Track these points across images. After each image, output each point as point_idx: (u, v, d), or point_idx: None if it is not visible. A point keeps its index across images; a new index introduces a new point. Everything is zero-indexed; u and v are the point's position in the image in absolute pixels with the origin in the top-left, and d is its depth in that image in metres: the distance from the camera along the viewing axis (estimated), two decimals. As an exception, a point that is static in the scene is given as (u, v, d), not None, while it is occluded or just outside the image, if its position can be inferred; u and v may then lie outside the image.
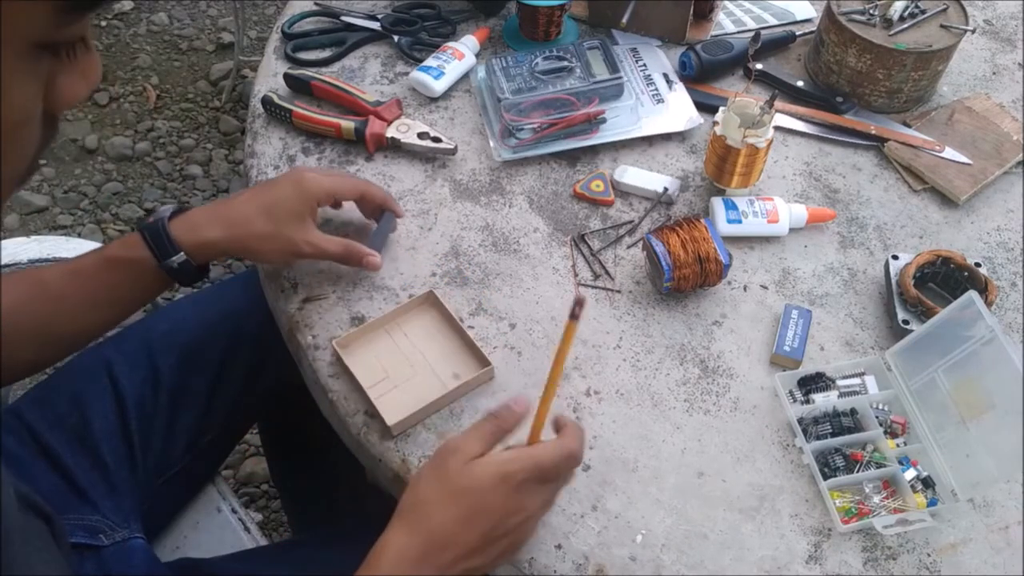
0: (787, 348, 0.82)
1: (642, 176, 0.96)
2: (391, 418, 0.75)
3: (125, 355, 0.93)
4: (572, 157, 0.99)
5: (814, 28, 1.10)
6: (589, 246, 0.91)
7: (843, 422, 0.77)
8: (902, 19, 1.01)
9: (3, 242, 1.03)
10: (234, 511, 1.00)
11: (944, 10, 1.03)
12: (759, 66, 1.07)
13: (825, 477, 0.74)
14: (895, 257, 0.87)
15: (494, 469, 0.62)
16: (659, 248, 0.83)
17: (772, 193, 0.95)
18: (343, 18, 1.10)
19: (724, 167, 0.91)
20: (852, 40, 1.00)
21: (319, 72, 1.03)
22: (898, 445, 0.76)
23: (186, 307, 1.01)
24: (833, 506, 0.72)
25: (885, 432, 0.76)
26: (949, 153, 1.00)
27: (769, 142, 0.89)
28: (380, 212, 0.88)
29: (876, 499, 0.73)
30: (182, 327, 0.97)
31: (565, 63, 1.00)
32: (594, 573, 0.69)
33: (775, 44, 1.11)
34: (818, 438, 0.76)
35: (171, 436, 0.93)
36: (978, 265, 0.85)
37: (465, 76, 1.05)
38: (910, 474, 0.74)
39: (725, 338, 0.84)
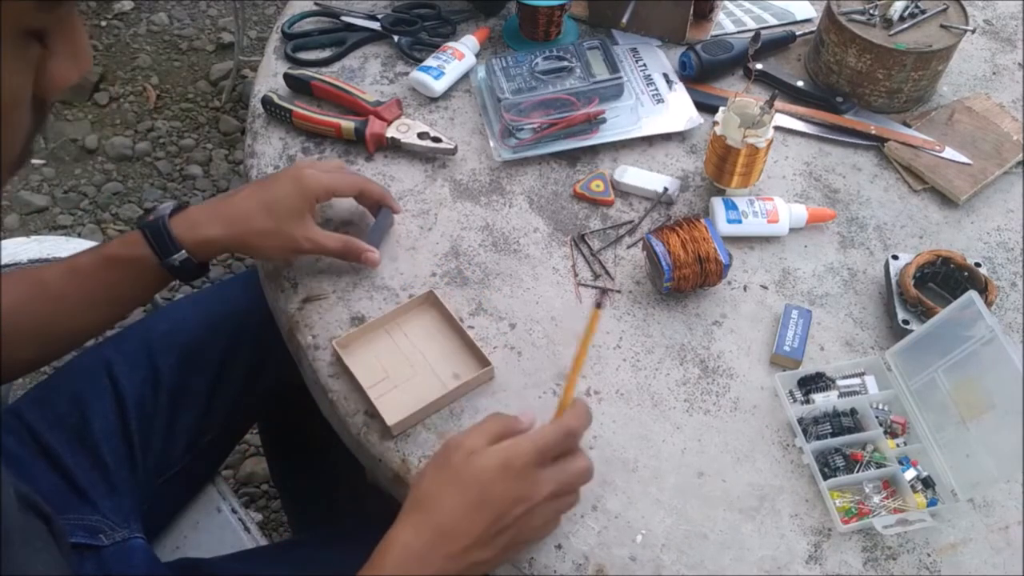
0: (787, 348, 0.82)
1: (642, 176, 0.96)
2: (391, 418, 0.75)
3: (125, 355, 0.93)
4: (572, 157, 0.99)
5: (814, 28, 1.10)
6: (589, 246, 0.91)
7: (843, 422, 0.77)
8: (902, 19, 1.01)
9: (3, 242, 1.03)
10: (234, 511, 1.00)
11: (944, 10, 1.03)
12: (759, 66, 1.07)
13: (825, 477, 0.74)
14: (895, 257, 0.87)
15: (495, 458, 0.63)
16: (659, 248, 0.83)
17: (772, 193, 0.95)
18: (343, 18, 1.10)
19: (724, 167, 0.91)
20: (852, 40, 1.00)
21: (319, 72, 1.03)
22: (898, 445, 0.76)
23: (186, 307, 1.01)
24: (833, 506, 0.72)
25: (885, 432, 0.76)
26: (949, 153, 1.00)
27: (769, 142, 0.89)
28: (378, 207, 0.88)
29: (876, 499, 0.73)
30: (182, 327, 0.97)
31: (565, 63, 1.00)
32: (594, 573, 0.69)
33: (775, 44, 1.11)
34: (818, 438, 0.76)
35: (171, 436, 0.93)
36: (978, 265, 0.85)
37: (465, 76, 1.05)
38: (910, 474, 0.74)
39: (725, 338, 0.84)
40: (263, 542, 0.98)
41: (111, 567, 0.82)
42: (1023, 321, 0.87)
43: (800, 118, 1.04)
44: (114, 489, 0.87)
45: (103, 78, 2.34)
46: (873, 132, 1.02)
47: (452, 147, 0.96)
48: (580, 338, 0.67)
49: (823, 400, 0.78)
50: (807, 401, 0.79)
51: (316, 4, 1.13)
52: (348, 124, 0.96)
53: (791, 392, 0.80)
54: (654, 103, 1.03)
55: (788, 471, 0.76)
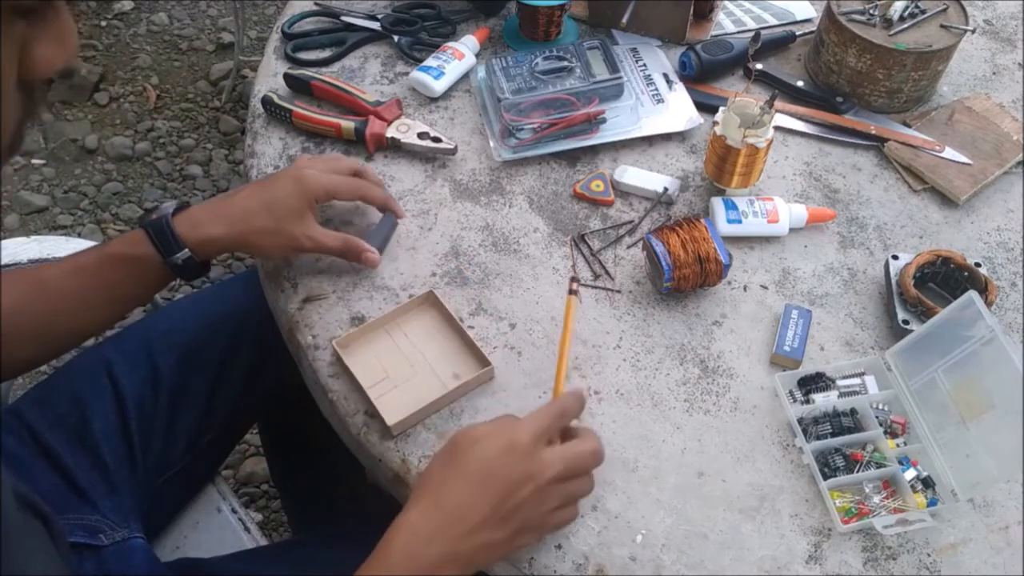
0: (787, 348, 0.82)
1: (642, 176, 0.96)
2: (391, 418, 0.75)
3: (125, 355, 0.93)
4: (572, 157, 0.99)
5: (814, 28, 1.10)
6: (589, 246, 0.91)
7: (843, 422, 0.77)
8: (902, 19, 1.01)
9: (3, 242, 1.03)
10: (234, 511, 1.00)
11: (944, 10, 1.03)
12: (759, 66, 1.07)
13: (825, 477, 0.74)
14: (895, 257, 0.87)
15: (497, 442, 0.64)
16: (659, 248, 0.83)
17: (772, 193, 0.95)
18: (343, 18, 1.10)
19: (724, 167, 0.91)
20: (852, 40, 1.00)
21: (319, 72, 1.03)
22: (898, 445, 0.76)
23: (186, 307, 1.01)
24: (833, 506, 0.72)
25: (885, 432, 0.76)
26: (949, 153, 1.00)
27: (769, 142, 0.89)
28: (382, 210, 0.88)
29: (876, 499, 0.73)
30: (182, 327, 0.97)
31: (565, 63, 1.00)
32: (594, 573, 0.69)
33: (775, 44, 1.11)
34: (818, 438, 0.76)
35: (171, 436, 0.93)
36: (978, 265, 0.85)
37: (465, 76, 1.05)
38: (910, 474, 0.74)
39: (725, 338, 0.84)
40: (263, 542, 0.98)
41: (111, 567, 0.82)
42: (1023, 321, 0.87)
43: (800, 118, 1.04)
44: (114, 489, 0.87)
45: (103, 78, 2.34)
46: (873, 132, 1.02)
47: (452, 147, 0.96)
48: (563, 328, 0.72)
49: (823, 400, 0.78)
50: (807, 401, 0.79)
51: (316, 4, 1.13)
52: (348, 124, 0.96)
53: (791, 392, 0.80)
54: (654, 103, 1.03)
55: (788, 471, 0.76)
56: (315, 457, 1.21)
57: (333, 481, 1.23)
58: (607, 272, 0.89)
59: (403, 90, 1.04)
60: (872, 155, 1.02)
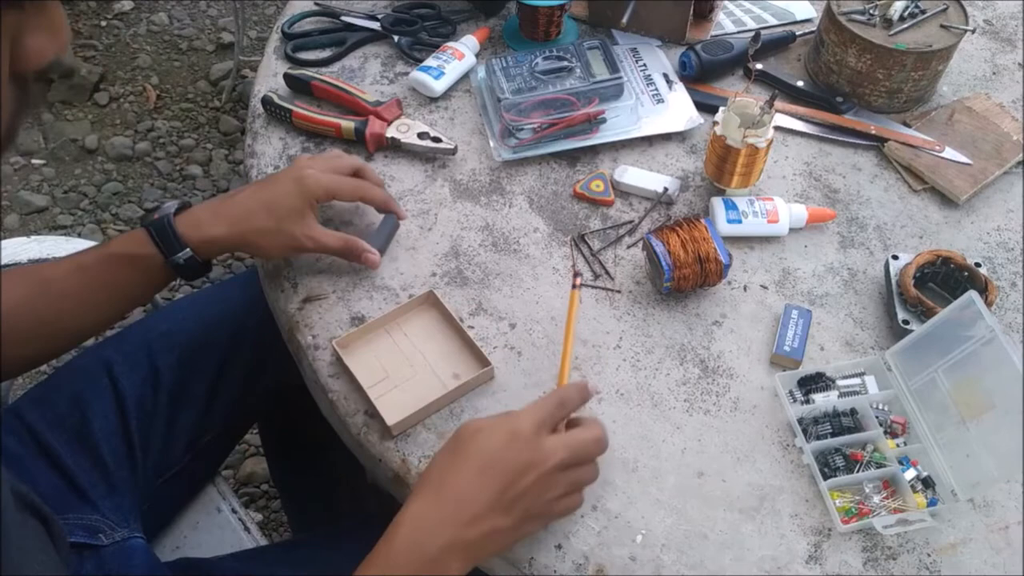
0: (787, 348, 0.82)
1: (642, 176, 0.96)
2: (391, 418, 0.75)
3: (125, 355, 0.93)
4: (572, 157, 0.99)
5: (814, 28, 1.10)
6: (589, 246, 0.91)
7: (843, 422, 0.77)
8: (902, 19, 1.01)
9: (3, 242, 1.03)
10: (234, 511, 1.00)
11: (944, 10, 1.03)
12: (759, 66, 1.07)
13: (825, 477, 0.74)
14: (895, 257, 0.87)
15: (499, 431, 0.65)
16: (659, 248, 0.83)
17: (772, 193, 0.95)
18: (343, 18, 1.10)
19: (724, 167, 0.91)
20: (852, 40, 1.00)
21: (319, 72, 1.03)
22: (898, 445, 0.76)
23: (186, 307, 1.01)
24: (833, 506, 0.72)
25: (885, 432, 0.76)
26: (949, 153, 1.00)
27: (769, 142, 0.89)
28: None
29: (876, 499, 0.73)
30: (182, 327, 0.97)
31: (565, 63, 1.00)
32: (594, 573, 0.69)
33: (775, 44, 1.11)
34: (818, 438, 0.76)
35: (171, 436, 0.93)
36: (978, 265, 0.85)
37: (465, 76, 1.05)
38: (910, 474, 0.74)
39: (725, 338, 0.84)
40: (263, 542, 0.98)
41: (111, 567, 0.82)
42: (1023, 321, 0.87)
43: (800, 118, 1.04)
44: (114, 489, 0.87)
45: (103, 78, 2.34)
46: (873, 132, 1.02)
47: (452, 147, 0.96)
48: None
49: (823, 400, 0.78)
50: (807, 401, 0.79)
51: (316, 4, 1.13)
52: (348, 124, 0.96)
53: (791, 392, 0.80)
54: (654, 103, 1.03)
55: (788, 471, 0.76)
56: (315, 457, 1.21)
57: (333, 481, 1.23)
58: (607, 272, 0.89)
59: (403, 90, 1.04)
60: (872, 155, 1.02)
